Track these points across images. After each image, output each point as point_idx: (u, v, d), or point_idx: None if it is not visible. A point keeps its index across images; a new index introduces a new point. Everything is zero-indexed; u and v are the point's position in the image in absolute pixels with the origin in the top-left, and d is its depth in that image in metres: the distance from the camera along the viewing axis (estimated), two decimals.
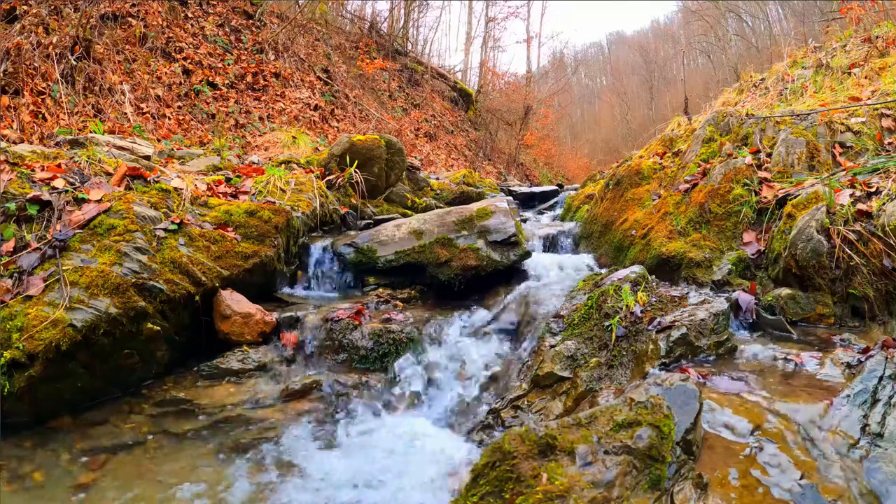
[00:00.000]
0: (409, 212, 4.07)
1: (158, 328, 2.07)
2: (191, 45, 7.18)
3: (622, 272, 2.31)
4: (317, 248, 2.97)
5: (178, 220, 2.34)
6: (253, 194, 2.97)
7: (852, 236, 2.09)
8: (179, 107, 6.29)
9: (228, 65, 7.53)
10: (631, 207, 3.36)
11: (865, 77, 4.43)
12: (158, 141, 5.02)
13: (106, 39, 5.71)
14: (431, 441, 1.88)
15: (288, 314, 2.39)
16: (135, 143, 3.29)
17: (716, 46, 23.09)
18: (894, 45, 4.82)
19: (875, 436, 1.33)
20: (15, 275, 1.92)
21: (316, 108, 8.66)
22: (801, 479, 1.23)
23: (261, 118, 7.29)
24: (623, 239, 3.17)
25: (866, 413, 1.39)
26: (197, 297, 2.23)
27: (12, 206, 2.10)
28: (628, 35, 40.98)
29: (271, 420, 1.94)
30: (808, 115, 3.02)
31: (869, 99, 3.40)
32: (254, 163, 4.11)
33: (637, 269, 2.34)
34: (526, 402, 1.91)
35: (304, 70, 9.18)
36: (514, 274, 2.96)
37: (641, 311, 2.02)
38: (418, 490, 1.61)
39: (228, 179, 3.18)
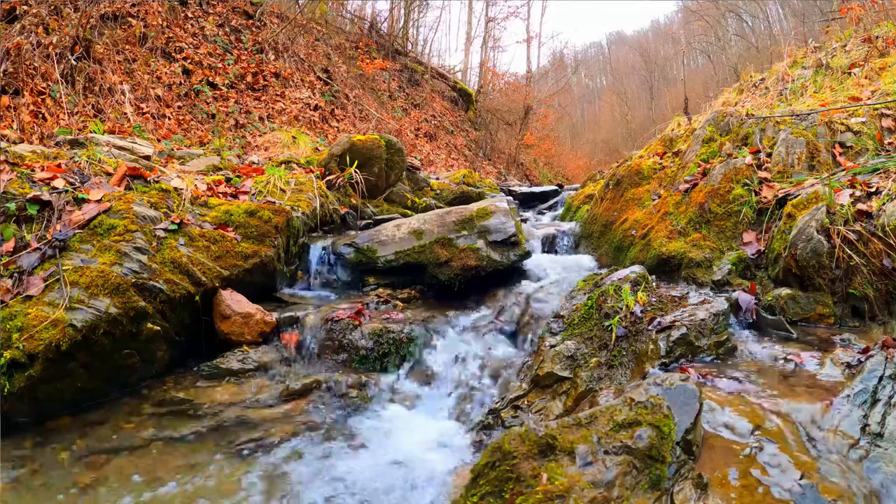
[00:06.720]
0: (409, 212, 4.07)
1: (158, 328, 2.07)
2: (191, 45, 7.18)
3: (622, 272, 2.31)
4: (317, 248, 2.97)
5: (178, 220, 2.34)
6: (253, 194, 2.97)
7: (852, 236, 2.09)
8: (179, 107, 6.29)
9: (228, 65, 7.53)
10: (631, 207, 3.35)
11: (865, 77, 4.43)
12: (158, 141, 5.02)
13: (106, 39, 5.71)
14: (431, 441, 1.88)
15: (288, 314, 2.39)
16: (135, 143, 3.29)
17: (716, 46, 23.10)
18: (894, 45, 4.82)
19: (875, 436, 1.33)
20: (15, 275, 1.92)
21: (316, 108, 8.66)
22: (801, 479, 1.23)
23: (261, 118, 7.29)
24: (623, 239, 3.17)
25: (866, 413, 1.39)
26: (197, 297, 2.23)
27: (12, 206, 2.10)
28: (628, 35, 41.06)
29: (271, 420, 1.94)
30: (808, 115, 3.02)
31: (869, 99, 3.40)
32: (254, 163, 4.11)
33: (637, 269, 2.34)
34: (526, 402, 1.91)
35: (304, 70, 9.18)
36: (514, 274, 2.96)
37: (641, 311, 2.02)
38: (418, 491, 1.61)
39: (228, 179, 3.18)
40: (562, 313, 2.21)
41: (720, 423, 1.44)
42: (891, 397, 1.39)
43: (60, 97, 4.78)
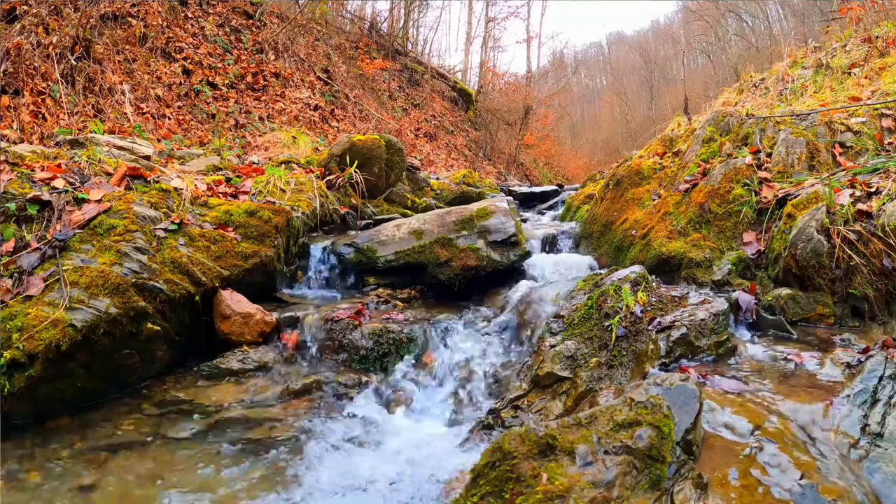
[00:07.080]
0: (409, 212, 4.07)
1: (158, 328, 2.07)
2: (191, 45, 7.17)
3: (622, 272, 2.31)
4: (317, 248, 2.97)
5: (178, 220, 2.34)
6: (253, 194, 2.97)
7: (852, 236, 2.09)
8: (179, 107, 6.29)
9: (228, 65, 7.53)
10: (631, 207, 3.35)
11: (865, 77, 4.43)
12: (158, 141, 5.02)
13: (106, 39, 5.71)
14: (431, 441, 1.88)
15: (288, 314, 2.39)
16: (135, 143, 3.29)
17: (716, 46, 23.12)
18: (894, 45, 4.82)
19: (875, 436, 1.33)
20: (15, 275, 1.92)
21: (316, 108, 8.66)
22: (801, 479, 1.23)
23: (261, 118, 7.29)
24: (623, 239, 3.17)
25: (866, 413, 1.39)
26: (197, 297, 2.23)
27: (12, 206, 2.10)
28: (628, 35, 41.10)
29: (272, 420, 1.94)
30: (808, 115, 3.02)
31: (869, 99, 3.40)
32: (254, 163, 4.11)
33: (637, 269, 2.33)
34: (526, 402, 1.91)
35: (304, 70, 9.18)
36: (514, 274, 2.96)
37: (641, 311, 2.02)
38: (418, 494, 1.61)
39: (228, 179, 3.18)
40: (562, 313, 2.20)
41: (720, 423, 1.44)
42: (891, 397, 1.39)
43: (60, 97, 4.78)
